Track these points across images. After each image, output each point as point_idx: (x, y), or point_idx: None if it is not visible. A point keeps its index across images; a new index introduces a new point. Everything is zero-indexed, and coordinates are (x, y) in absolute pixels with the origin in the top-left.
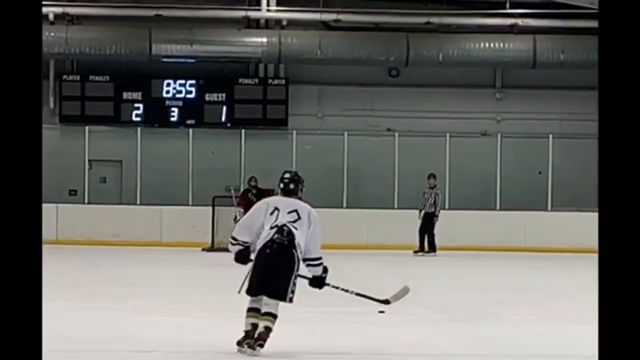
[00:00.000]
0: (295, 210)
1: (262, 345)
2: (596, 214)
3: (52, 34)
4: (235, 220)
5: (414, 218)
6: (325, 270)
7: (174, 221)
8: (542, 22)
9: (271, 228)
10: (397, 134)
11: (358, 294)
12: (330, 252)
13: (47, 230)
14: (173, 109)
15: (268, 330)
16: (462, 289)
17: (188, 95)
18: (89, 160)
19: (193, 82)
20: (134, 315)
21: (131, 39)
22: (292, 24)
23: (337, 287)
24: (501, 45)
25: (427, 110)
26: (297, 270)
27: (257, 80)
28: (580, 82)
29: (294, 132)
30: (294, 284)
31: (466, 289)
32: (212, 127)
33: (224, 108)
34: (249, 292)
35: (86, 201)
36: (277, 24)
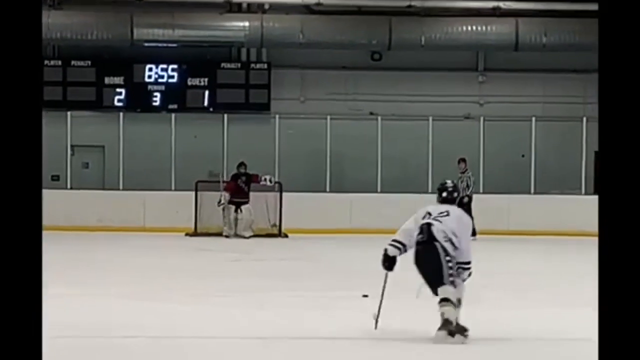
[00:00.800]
0: (447, 211)
1: (452, 333)
2: (579, 197)
3: None
4: (219, 204)
5: (397, 201)
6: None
7: (157, 206)
8: (525, 5)
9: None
10: (379, 118)
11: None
12: (314, 236)
13: None
14: (155, 93)
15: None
16: None
17: (170, 80)
18: (71, 146)
19: (175, 66)
20: (118, 301)
21: (113, 23)
22: (275, 8)
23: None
24: (484, 28)
25: (410, 93)
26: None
27: (239, 65)
28: (562, 64)
29: (277, 116)
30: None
31: None
32: (195, 111)
33: (207, 93)
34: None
35: (69, 187)
36: (259, 8)
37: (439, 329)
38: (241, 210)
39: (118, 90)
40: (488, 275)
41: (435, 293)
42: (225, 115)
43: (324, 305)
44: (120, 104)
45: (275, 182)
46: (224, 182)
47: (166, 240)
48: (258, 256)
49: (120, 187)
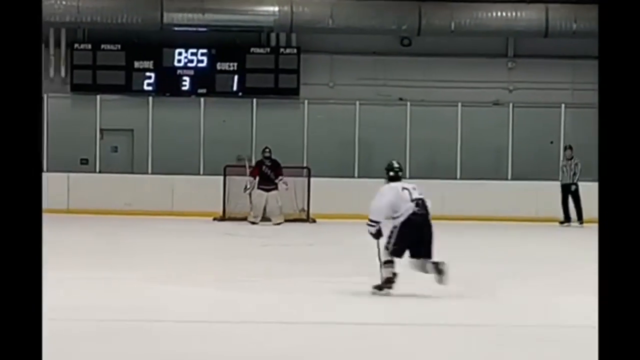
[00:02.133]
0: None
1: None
2: None
3: (64, 3)
4: (246, 189)
5: (425, 187)
6: None
7: (185, 190)
8: None
9: (412, 201)
10: (409, 104)
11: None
12: (341, 221)
13: (59, 199)
14: (184, 78)
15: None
16: (475, 259)
17: (200, 65)
18: (101, 130)
19: (205, 51)
20: (145, 284)
21: (143, 7)
22: None
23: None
24: (513, 14)
25: (439, 79)
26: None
27: (269, 50)
28: (592, 51)
29: (306, 101)
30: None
31: (479, 259)
32: (224, 96)
33: (236, 77)
34: (396, 254)
35: (97, 170)
36: None
37: (386, 287)
38: (267, 201)
39: (147, 74)
40: (517, 261)
41: (417, 257)
42: (254, 100)
43: (350, 290)
44: (150, 88)
45: (304, 168)
46: (250, 167)
47: (194, 224)
48: (285, 241)
49: (149, 171)
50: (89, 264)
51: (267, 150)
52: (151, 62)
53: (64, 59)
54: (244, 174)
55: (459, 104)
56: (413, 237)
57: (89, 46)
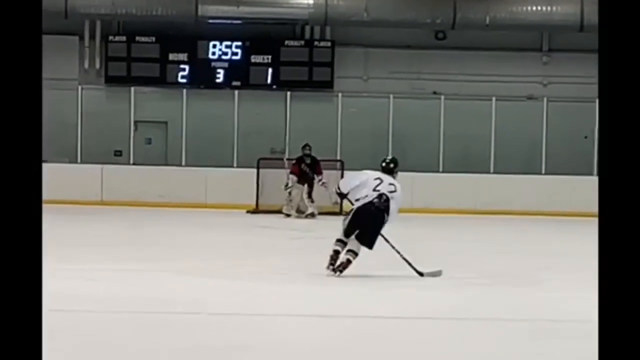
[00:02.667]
0: (394, 185)
1: (341, 271)
2: None
3: None
4: (287, 187)
5: (458, 181)
6: None
7: (218, 183)
8: None
9: (374, 191)
10: (442, 97)
11: (403, 257)
12: None
13: (92, 191)
14: (219, 70)
15: (349, 262)
16: (506, 253)
17: (234, 57)
18: (135, 121)
19: (239, 43)
20: (178, 277)
21: (177, 0)
22: None
23: (392, 246)
24: (549, 8)
25: (474, 73)
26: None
27: (303, 42)
28: None
29: (340, 94)
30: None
31: (510, 253)
32: (258, 88)
33: (270, 70)
34: (346, 233)
35: (131, 162)
36: None
37: (341, 269)
38: (302, 195)
39: (182, 66)
40: (550, 256)
41: (361, 242)
42: (288, 93)
43: (382, 284)
44: (184, 80)
45: (337, 160)
46: (287, 159)
47: (227, 217)
48: (319, 234)
49: (183, 163)
50: (122, 256)
51: (308, 147)
52: (185, 54)
53: (99, 51)
54: (278, 167)
55: (493, 98)
56: (363, 222)
57: (124, 38)
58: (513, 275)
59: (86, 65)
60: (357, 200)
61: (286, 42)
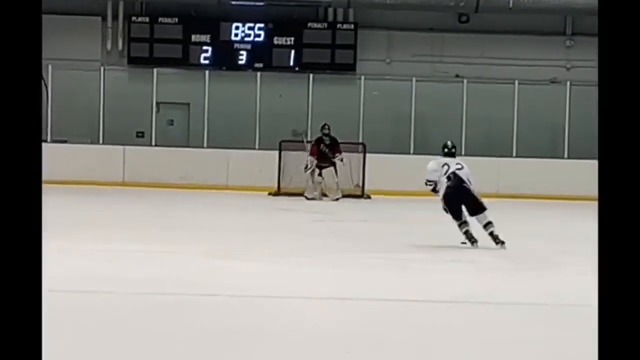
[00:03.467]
0: (460, 163)
1: (503, 242)
2: None
3: None
4: (307, 169)
5: (481, 165)
6: None
7: (241, 165)
8: None
9: (444, 175)
10: (465, 81)
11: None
12: (397, 198)
13: (115, 172)
14: (242, 52)
15: (493, 230)
16: (529, 237)
17: (257, 39)
18: (157, 103)
19: (262, 25)
20: (199, 259)
21: None
22: None
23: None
24: None
25: (497, 57)
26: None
27: (326, 25)
28: None
29: (362, 77)
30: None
31: (533, 237)
32: (281, 71)
33: (293, 52)
34: (458, 217)
35: (154, 144)
36: None
37: (501, 243)
38: (323, 177)
39: (205, 48)
40: (573, 240)
41: (475, 214)
42: (311, 76)
43: (404, 267)
44: (207, 62)
45: (359, 144)
46: (308, 142)
47: (249, 199)
48: (340, 217)
49: (205, 145)
50: (142, 238)
51: (327, 127)
52: (208, 36)
53: (122, 32)
54: (300, 150)
55: (516, 82)
56: (456, 203)
57: (147, 19)
58: (535, 260)
59: (109, 47)
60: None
61: (309, 25)
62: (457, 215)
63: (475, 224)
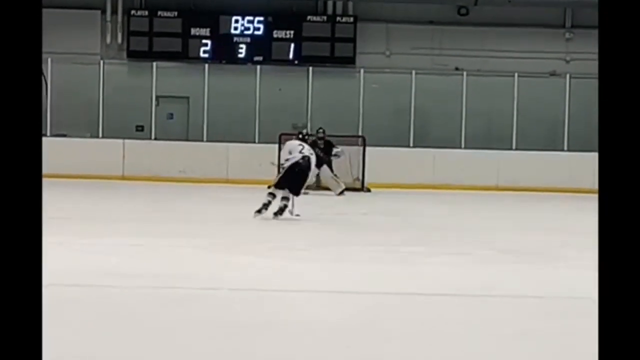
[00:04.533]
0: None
1: (279, 214)
2: None
3: None
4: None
5: (480, 157)
6: None
7: (240, 158)
8: None
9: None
10: (465, 73)
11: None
12: (396, 191)
13: (114, 165)
14: (241, 45)
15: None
16: (529, 230)
17: (256, 32)
18: (156, 97)
19: (261, 18)
20: (199, 252)
21: None
22: None
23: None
24: None
25: (496, 49)
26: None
27: (325, 18)
28: None
29: (362, 70)
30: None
31: (533, 230)
32: (280, 64)
33: (292, 45)
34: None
35: (153, 137)
36: None
37: (278, 214)
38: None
39: (204, 41)
40: (572, 233)
41: (294, 193)
42: (310, 68)
43: (403, 260)
44: (206, 55)
45: (359, 137)
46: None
47: (248, 192)
48: (340, 210)
49: (204, 139)
50: (142, 232)
51: (321, 131)
52: (207, 29)
53: (121, 26)
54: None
55: (516, 74)
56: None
57: (146, 13)
58: (534, 253)
59: (108, 40)
60: (286, 160)
61: (308, 18)
62: (280, 186)
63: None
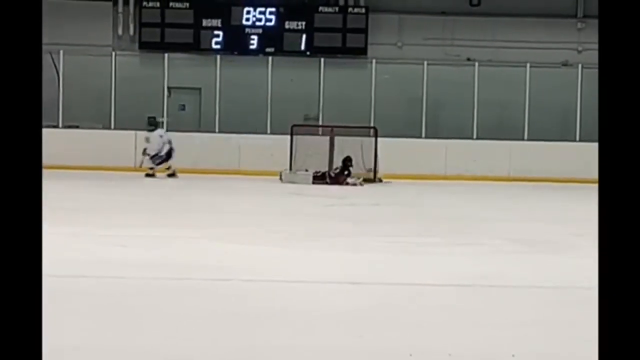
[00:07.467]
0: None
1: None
2: None
3: None
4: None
5: (492, 148)
6: None
7: (252, 149)
8: None
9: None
10: (477, 64)
11: None
12: (408, 181)
13: (126, 156)
14: (253, 36)
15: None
16: (541, 220)
17: (268, 23)
18: (168, 88)
19: (273, 9)
20: (212, 242)
21: None
22: None
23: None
24: None
25: (508, 40)
26: None
27: (337, 9)
28: None
29: (374, 61)
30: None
31: (545, 220)
32: (292, 55)
33: (304, 36)
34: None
35: (165, 128)
36: None
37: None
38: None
39: (216, 32)
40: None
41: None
42: (322, 59)
43: (415, 250)
44: (218, 46)
45: (371, 127)
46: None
47: (261, 183)
48: (352, 201)
49: (216, 130)
50: (153, 222)
51: (349, 160)
52: (219, 20)
53: (133, 17)
54: (312, 134)
55: (527, 65)
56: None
57: (158, 4)
58: (546, 243)
59: (120, 32)
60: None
61: (320, 8)
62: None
63: None
